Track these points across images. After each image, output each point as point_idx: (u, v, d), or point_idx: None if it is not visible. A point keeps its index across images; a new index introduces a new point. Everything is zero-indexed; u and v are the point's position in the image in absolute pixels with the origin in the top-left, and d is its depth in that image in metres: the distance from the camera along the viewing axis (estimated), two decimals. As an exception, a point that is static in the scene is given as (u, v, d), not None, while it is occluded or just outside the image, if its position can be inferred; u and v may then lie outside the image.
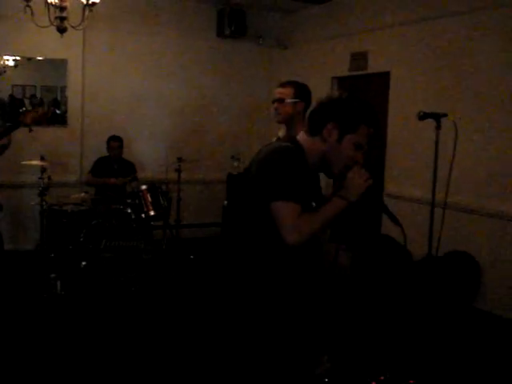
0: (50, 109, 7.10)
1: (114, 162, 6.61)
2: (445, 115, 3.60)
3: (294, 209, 2.07)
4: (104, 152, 6.65)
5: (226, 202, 7.13)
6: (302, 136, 2.29)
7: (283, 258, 2.19)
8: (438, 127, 3.59)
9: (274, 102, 3.86)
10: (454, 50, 5.55)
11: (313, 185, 2.31)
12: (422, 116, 3.60)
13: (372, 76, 6.75)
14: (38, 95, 7.04)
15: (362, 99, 2.28)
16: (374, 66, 6.61)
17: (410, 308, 4.91)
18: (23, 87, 6.97)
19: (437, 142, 3.57)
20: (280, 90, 3.82)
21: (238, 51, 7.95)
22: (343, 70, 7.09)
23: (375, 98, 6.70)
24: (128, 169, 6.67)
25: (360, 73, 6.85)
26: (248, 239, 2.26)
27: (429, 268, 4.24)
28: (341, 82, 7.31)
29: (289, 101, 3.80)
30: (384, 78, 6.42)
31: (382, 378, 2.63)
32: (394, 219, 2.30)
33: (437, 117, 3.60)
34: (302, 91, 3.87)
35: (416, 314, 4.58)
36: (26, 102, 6.96)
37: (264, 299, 2.22)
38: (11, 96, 6.85)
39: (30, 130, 3.91)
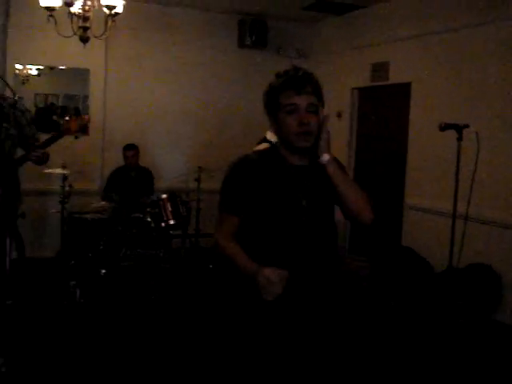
0: (83, 117, 7.17)
1: (131, 170, 6.64)
2: (466, 126, 3.59)
3: (226, 220, 2.34)
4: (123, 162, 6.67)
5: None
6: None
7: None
8: (460, 138, 3.58)
9: None
10: (476, 61, 5.51)
11: (295, 180, 2.26)
12: (444, 127, 3.60)
13: (393, 87, 6.73)
14: (60, 104, 7.12)
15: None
16: (395, 76, 6.59)
17: (430, 320, 4.87)
18: (46, 96, 7.05)
19: (458, 154, 3.56)
20: None
21: (259, 62, 7.91)
22: (364, 81, 7.08)
23: (396, 109, 6.68)
24: (145, 176, 6.70)
25: (381, 83, 6.83)
26: None
27: (450, 280, 4.21)
28: (361, 92, 7.30)
29: None
30: (405, 88, 6.40)
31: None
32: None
33: (458, 128, 3.59)
34: None
35: (436, 326, 4.54)
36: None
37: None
38: (46, 106, 6.98)
39: (76, 137, 3.96)
